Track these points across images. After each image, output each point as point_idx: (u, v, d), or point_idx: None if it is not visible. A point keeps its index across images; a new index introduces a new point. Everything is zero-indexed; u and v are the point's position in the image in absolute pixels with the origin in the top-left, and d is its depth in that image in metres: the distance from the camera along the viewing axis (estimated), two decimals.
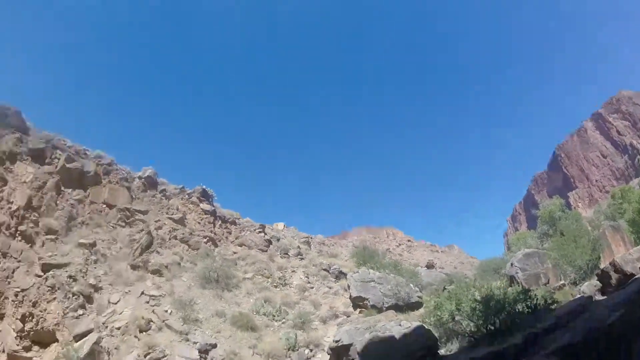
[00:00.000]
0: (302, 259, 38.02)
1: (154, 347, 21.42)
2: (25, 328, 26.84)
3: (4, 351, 28.02)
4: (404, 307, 24.06)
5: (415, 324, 18.37)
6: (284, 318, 25.99)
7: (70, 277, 27.90)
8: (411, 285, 26.59)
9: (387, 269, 29.25)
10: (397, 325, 18.25)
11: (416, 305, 24.71)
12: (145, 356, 21.02)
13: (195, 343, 21.98)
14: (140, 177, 43.16)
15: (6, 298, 30.45)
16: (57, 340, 26.08)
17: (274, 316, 26.14)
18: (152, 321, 23.88)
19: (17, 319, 27.39)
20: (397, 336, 17.16)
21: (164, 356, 20.94)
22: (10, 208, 33.94)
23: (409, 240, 58.23)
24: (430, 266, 35.42)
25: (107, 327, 24.52)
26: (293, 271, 34.17)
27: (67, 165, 37.56)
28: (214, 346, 22.05)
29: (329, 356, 19.82)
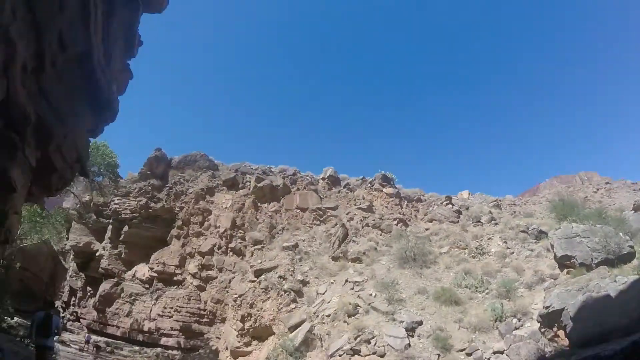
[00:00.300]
0: (496, 224, 35.66)
1: (362, 329, 22.13)
2: (245, 327, 30.68)
3: (227, 348, 32.64)
4: (615, 260, 20.88)
5: (632, 278, 16.09)
6: (487, 288, 24.65)
7: (280, 277, 30.87)
8: (620, 234, 23.19)
9: (591, 220, 25.96)
10: (611, 282, 16.09)
11: (628, 257, 21.26)
12: (355, 339, 21.75)
13: (401, 322, 22.15)
14: (323, 178, 46.07)
15: (226, 304, 35.80)
16: (273, 334, 28.97)
17: (477, 287, 24.96)
18: (358, 305, 24.76)
19: (237, 320, 31.50)
20: (612, 294, 15.10)
21: (373, 337, 21.51)
22: (218, 231, 40.35)
23: (607, 183, 49.72)
24: (638, 208, 30.17)
25: (317, 316, 26.14)
26: (489, 238, 32.17)
27: (258, 185, 42.56)
28: (420, 323, 22.04)
29: (538, 324, 18.31)
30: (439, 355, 19.47)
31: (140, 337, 38.67)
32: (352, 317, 24.01)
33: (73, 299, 47.28)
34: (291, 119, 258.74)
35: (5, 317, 23.76)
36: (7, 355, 10.56)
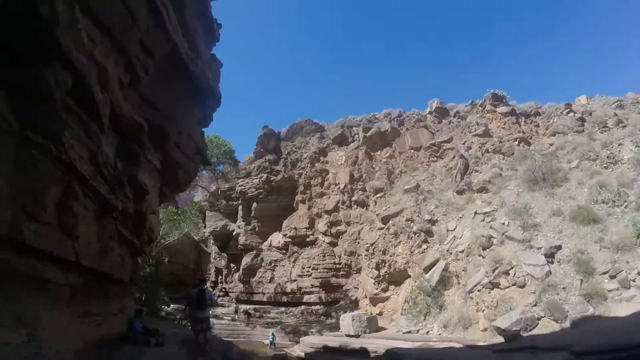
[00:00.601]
0: (624, 126, 31.88)
1: (499, 260, 21.70)
2: (380, 273, 31.38)
3: (366, 296, 33.88)
4: None
5: None
6: (625, 201, 22.38)
7: (407, 220, 31.10)
8: None
9: None
10: None
11: None
12: (493, 271, 21.48)
13: (539, 248, 21.31)
14: (430, 112, 44.70)
15: (359, 255, 37.12)
16: (409, 277, 29.36)
17: (614, 202, 22.71)
18: (492, 237, 24.14)
19: (372, 268, 32.32)
20: None
21: (512, 267, 21.03)
22: (339, 187, 41.69)
23: None
24: None
25: (451, 253, 26.18)
26: (620, 144, 29.04)
27: (367, 135, 43.03)
28: (559, 248, 20.99)
29: None
30: (582, 280, 18.63)
31: (284, 299, 42.08)
32: (487, 250, 23.62)
33: (219, 277, 53.12)
34: (385, 60, 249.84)
35: (163, 307, 27.47)
36: (168, 337, 11.92)
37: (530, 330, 17.81)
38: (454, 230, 28.18)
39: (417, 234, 29.52)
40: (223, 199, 50.91)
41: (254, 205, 46.47)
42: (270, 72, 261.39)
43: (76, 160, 6.98)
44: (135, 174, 10.18)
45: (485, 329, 20.27)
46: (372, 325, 25.35)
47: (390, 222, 32.37)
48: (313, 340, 27.89)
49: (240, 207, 48.45)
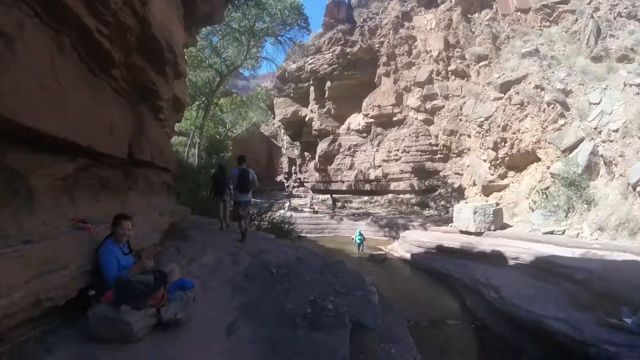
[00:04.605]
0: None
1: None
2: (499, 155, 24.80)
3: (475, 184, 27.35)
4: None
5: None
6: None
7: (536, 87, 24.05)
8: None
9: None
10: None
11: None
12: None
13: None
14: None
15: (461, 135, 30.43)
16: (537, 160, 23.14)
17: None
18: None
19: (486, 148, 25.51)
20: None
21: None
22: (431, 56, 33.51)
23: None
24: None
25: (599, 132, 20.00)
26: None
27: None
28: None
29: None
30: None
31: (367, 187, 37.20)
32: None
33: (293, 167, 49.26)
34: None
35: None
36: (220, 268, 8.07)
37: None
38: (598, 103, 21.29)
39: (552, 106, 22.51)
40: (291, 81, 45.02)
41: (328, 84, 40.06)
42: None
43: None
44: None
45: None
46: (497, 221, 19.34)
47: (512, 89, 25.07)
48: (420, 238, 22.08)
49: (312, 88, 42.42)
